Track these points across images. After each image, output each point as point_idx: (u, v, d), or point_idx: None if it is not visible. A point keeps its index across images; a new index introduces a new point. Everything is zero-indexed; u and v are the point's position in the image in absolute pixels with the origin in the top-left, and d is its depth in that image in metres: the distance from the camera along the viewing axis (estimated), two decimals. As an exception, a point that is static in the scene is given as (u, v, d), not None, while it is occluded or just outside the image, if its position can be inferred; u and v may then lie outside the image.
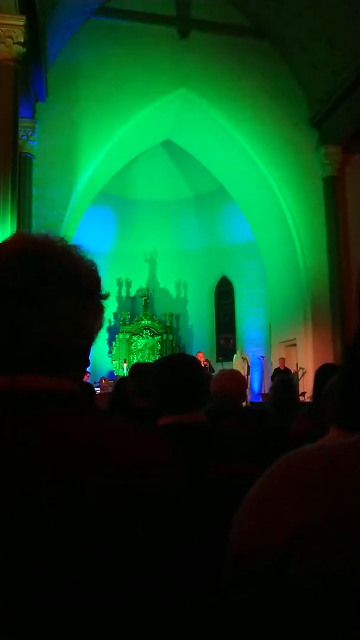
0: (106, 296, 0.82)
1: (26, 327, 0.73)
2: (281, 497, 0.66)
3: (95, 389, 8.63)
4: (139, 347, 15.36)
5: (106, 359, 15.01)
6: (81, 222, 11.99)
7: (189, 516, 0.72)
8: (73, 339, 0.76)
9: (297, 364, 11.56)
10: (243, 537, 0.69)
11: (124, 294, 16.25)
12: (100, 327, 0.81)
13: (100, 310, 0.81)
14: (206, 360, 13.35)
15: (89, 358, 0.82)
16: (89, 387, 4.12)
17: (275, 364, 12.19)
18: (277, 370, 11.59)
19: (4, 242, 0.78)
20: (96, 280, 0.81)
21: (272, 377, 11.76)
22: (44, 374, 0.74)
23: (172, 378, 1.70)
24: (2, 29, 7.57)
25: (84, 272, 0.79)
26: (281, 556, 0.63)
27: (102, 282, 0.82)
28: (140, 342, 15.39)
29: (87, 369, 0.98)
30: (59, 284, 0.75)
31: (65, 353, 0.76)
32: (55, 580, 0.63)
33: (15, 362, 0.73)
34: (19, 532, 0.63)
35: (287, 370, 11.25)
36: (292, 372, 11.10)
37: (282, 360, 11.89)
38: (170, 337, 15.60)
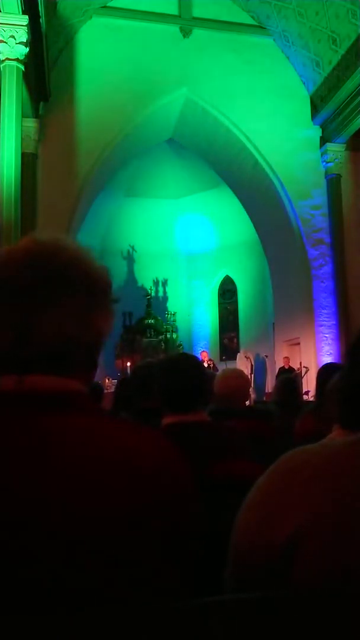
0: (117, 300, 0.83)
1: (34, 327, 0.73)
2: (283, 494, 0.67)
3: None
4: (142, 346, 15.36)
5: (110, 358, 15.02)
6: (85, 220, 11.99)
7: (195, 519, 0.72)
8: (82, 340, 0.76)
9: (300, 363, 11.53)
10: (246, 533, 0.70)
11: (127, 293, 16.26)
12: (109, 329, 0.81)
13: (110, 312, 0.81)
14: (210, 359, 13.36)
15: (98, 359, 0.82)
16: (99, 388, 4.10)
17: (280, 363, 12.16)
18: (281, 369, 11.56)
19: (16, 245, 0.79)
20: (107, 284, 0.81)
21: (277, 377, 11.72)
22: (52, 374, 0.74)
23: (175, 378, 1.70)
24: (4, 28, 7.58)
25: (94, 274, 0.79)
26: (283, 552, 0.64)
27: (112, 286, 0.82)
28: (143, 341, 15.39)
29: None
30: (68, 285, 0.75)
31: (74, 354, 0.76)
32: (61, 581, 0.63)
33: (23, 362, 0.73)
34: (24, 533, 0.64)
35: (291, 370, 11.22)
36: (295, 370, 11.07)
37: (287, 359, 11.84)
38: (174, 336, 15.60)
